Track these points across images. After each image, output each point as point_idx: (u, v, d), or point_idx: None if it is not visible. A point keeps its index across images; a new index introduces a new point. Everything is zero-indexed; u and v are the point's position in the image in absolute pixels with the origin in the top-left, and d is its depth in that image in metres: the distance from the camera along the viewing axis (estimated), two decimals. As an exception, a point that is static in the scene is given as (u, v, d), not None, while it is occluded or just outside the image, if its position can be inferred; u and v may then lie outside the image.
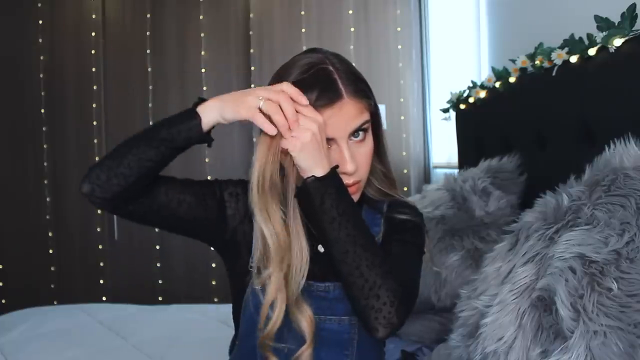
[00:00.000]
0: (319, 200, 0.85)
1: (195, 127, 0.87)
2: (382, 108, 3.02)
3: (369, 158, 0.94)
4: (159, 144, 0.87)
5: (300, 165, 0.85)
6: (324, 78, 0.89)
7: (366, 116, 0.92)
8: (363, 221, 0.89)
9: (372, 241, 0.87)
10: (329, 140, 0.89)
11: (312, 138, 0.84)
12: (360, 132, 0.92)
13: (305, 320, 0.89)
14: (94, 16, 3.06)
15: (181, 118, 0.88)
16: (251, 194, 0.88)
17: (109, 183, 0.87)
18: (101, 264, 3.07)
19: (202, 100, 0.90)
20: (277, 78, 0.92)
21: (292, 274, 0.87)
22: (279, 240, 0.88)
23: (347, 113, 0.89)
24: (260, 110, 0.85)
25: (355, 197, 0.94)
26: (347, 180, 0.91)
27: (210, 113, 0.87)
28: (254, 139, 2.91)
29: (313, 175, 0.85)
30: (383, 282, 0.83)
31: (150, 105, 3.07)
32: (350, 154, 0.90)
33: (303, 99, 0.86)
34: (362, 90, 0.92)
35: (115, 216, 3.03)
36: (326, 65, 0.90)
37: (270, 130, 0.85)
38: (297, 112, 0.85)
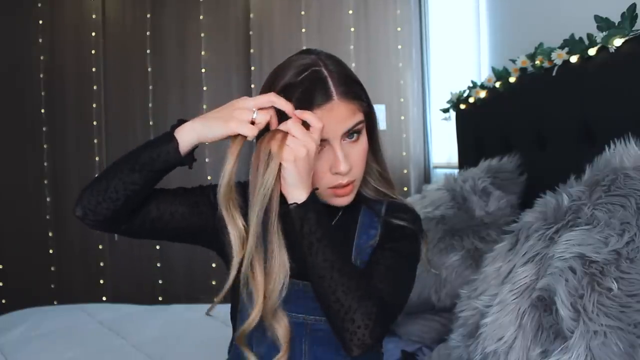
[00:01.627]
0: (299, 224, 0.86)
1: (172, 151, 0.87)
2: (382, 108, 3.02)
3: (363, 158, 0.95)
4: (140, 167, 0.88)
5: (287, 178, 0.85)
6: (316, 80, 0.89)
7: (359, 117, 0.92)
8: (342, 245, 0.90)
9: (349, 265, 0.88)
10: (322, 141, 0.89)
11: (305, 155, 0.84)
12: (354, 133, 0.92)
13: (281, 328, 0.90)
14: (94, 16, 3.06)
15: (160, 141, 0.89)
16: (219, 195, 0.89)
17: (99, 207, 0.88)
18: (101, 264, 3.07)
19: (181, 122, 0.90)
20: (272, 78, 0.93)
21: (271, 286, 0.88)
22: (242, 238, 0.89)
23: (338, 114, 0.89)
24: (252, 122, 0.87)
25: (351, 197, 0.95)
26: (341, 180, 0.92)
27: (187, 135, 0.88)
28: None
29: (295, 202, 0.86)
30: (358, 306, 0.84)
31: (150, 105, 3.07)
32: (343, 154, 0.90)
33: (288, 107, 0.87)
34: (354, 92, 0.92)
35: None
36: (319, 67, 0.90)
37: (254, 132, 0.87)
38: (300, 119, 0.86)
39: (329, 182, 0.92)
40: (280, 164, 0.85)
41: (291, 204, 0.86)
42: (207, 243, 1.00)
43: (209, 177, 2.95)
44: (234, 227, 0.89)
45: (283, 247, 0.88)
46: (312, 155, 0.86)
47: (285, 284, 0.88)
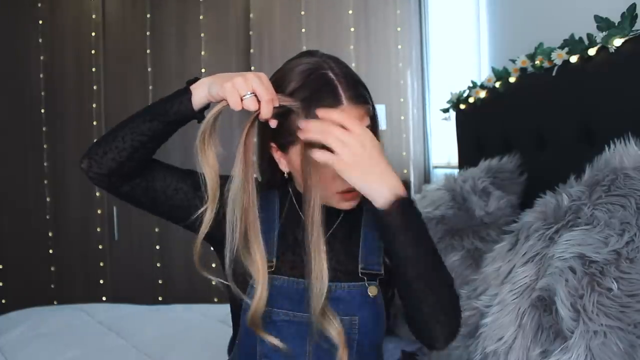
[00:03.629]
0: (404, 222, 0.83)
1: (185, 102, 0.89)
2: (382, 108, 3.02)
3: None
4: (152, 117, 0.90)
5: (359, 187, 0.83)
6: (323, 83, 0.88)
7: (367, 121, 0.91)
8: (431, 239, 0.89)
9: (440, 259, 0.88)
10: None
11: (361, 152, 0.82)
12: None
13: (333, 330, 0.89)
14: (94, 16, 3.06)
15: (175, 94, 0.91)
16: (199, 131, 0.89)
17: (104, 158, 0.90)
18: (101, 264, 3.07)
19: (197, 79, 0.92)
20: (276, 85, 0.90)
21: (313, 292, 0.88)
22: (214, 180, 0.90)
23: None
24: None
25: (357, 200, 0.95)
26: (350, 185, 0.91)
27: (200, 89, 0.90)
28: (255, 139, 2.91)
29: (400, 197, 0.82)
30: (450, 298, 0.87)
31: (150, 105, 3.07)
32: None
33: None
34: (362, 96, 0.91)
35: (115, 216, 3.03)
36: (325, 70, 0.89)
37: (237, 106, 0.86)
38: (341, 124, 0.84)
39: (339, 187, 0.91)
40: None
41: (399, 199, 0.82)
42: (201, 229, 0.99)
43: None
44: (207, 165, 0.89)
45: (324, 253, 0.87)
46: (372, 146, 0.82)
47: (325, 290, 0.87)
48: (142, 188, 0.94)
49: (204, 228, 0.91)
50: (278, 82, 0.91)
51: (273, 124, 0.88)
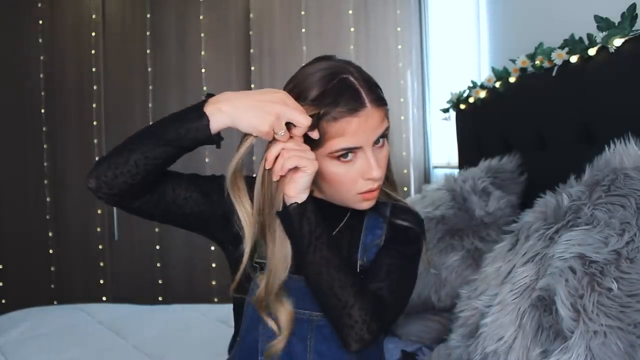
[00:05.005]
0: (298, 224, 0.88)
1: (202, 129, 0.85)
2: (382, 108, 3.01)
3: (386, 162, 0.97)
4: (166, 143, 0.86)
5: (299, 182, 0.88)
6: (348, 88, 0.89)
7: (387, 123, 0.93)
8: (337, 244, 0.92)
9: (345, 262, 0.90)
10: (355, 149, 0.90)
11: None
12: (380, 139, 0.93)
13: (283, 313, 0.92)
14: (94, 16, 3.06)
15: (190, 116, 0.86)
16: (227, 180, 0.92)
17: (115, 180, 0.86)
18: (101, 264, 3.07)
19: (210, 96, 0.88)
20: (297, 92, 0.90)
21: (272, 274, 0.90)
22: (249, 223, 0.93)
23: (372, 122, 0.90)
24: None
25: (375, 200, 0.97)
26: (371, 185, 0.93)
27: (221, 118, 0.85)
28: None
29: (295, 202, 0.88)
30: (355, 301, 0.87)
31: (150, 105, 3.07)
32: (375, 160, 0.91)
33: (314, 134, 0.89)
34: (382, 98, 0.93)
35: (115, 216, 3.04)
36: (346, 75, 0.90)
37: (270, 138, 0.88)
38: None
39: (360, 188, 0.93)
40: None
41: (292, 204, 0.88)
42: (213, 233, 1.00)
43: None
44: (243, 212, 0.92)
45: (288, 240, 0.90)
46: None
47: (285, 274, 0.90)
48: (153, 202, 0.93)
49: (245, 261, 0.93)
50: (298, 91, 0.91)
51: (315, 135, 0.89)
